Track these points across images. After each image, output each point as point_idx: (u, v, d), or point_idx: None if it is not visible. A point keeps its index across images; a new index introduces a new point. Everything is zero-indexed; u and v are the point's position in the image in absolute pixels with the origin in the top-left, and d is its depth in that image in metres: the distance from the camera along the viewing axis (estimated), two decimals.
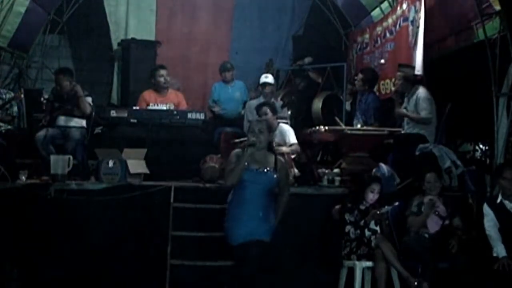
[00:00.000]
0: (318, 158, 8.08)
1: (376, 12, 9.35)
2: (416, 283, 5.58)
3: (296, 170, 6.78)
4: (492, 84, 6.91)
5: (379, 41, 8.89)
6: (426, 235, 5.92)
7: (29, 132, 7.66)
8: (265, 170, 5.09)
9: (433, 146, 6.86)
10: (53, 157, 6.51)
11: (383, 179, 6.32)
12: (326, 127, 7.22)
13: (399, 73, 7.38)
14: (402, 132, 7.17)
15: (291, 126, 7.45)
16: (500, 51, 6.77)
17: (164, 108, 7.66)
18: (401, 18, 8.12)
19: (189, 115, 7.41)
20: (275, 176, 5.11)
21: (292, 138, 7.07)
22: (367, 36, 9.36)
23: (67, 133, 7.20)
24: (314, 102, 8.70)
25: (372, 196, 6.04)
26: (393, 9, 8.57)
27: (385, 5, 8.99)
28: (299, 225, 6.30)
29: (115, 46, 9.84)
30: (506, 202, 5.72)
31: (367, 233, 5.96)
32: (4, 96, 7.43)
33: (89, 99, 7.38)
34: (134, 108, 7.65)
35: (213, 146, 7.68)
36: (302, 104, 8.72)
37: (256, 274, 4.95)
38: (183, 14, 10.14)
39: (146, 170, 6.69)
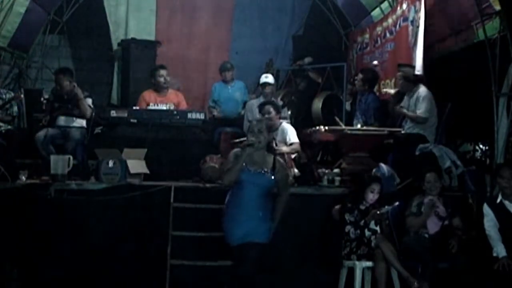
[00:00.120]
0: (318, 158, 8.07)
1: (376, 12, 9.35)
2: (416, 284, 5.58)
3: (296, 170, 6.78)
4: (492, 84, 6.91)
5: (379, 41, 8.89)
6: (426, 235, 5.92)
7: (29, 132, 7.66)
8: (263, 171, 5.07)
9: (433, 146, 6.87)
10: (53, 157, 6.51)
11: (383, 179, 6.32)
12: (326, 127, 7.23)
13: (399, 73, 7.39)
14: (402, 132, 7.17)
15: (291, 126, 7.45)
16: (500, 51, 6.77)
17: (164, 108, 7.67)
18: (401, 18, 8.12)
19: (189, 115, 7.41)
20: (273, 177, 5.09)
21: (293, 137, 7.07)
22: (367, 36, 9.36)
23: (67, 133, 7.21)
24: (314, 102, 8.70)
25: (372, 196, 6.04)
26: (393, 9, 8.57)
27: (385, 5, 8.99)
28: (299, 225, 6.30)
29: (115, 46, 9.84)
30: (506, 202, 5.72)
31: (367, 233, 5.96)
32: (4, 96, 7.42)
33: (89, 101, 7.38)
34: (134, 108, 7.65)
35: (213, 146, 7.68)
36: (302, 104, 8.72)
37: (255, 275, 4.95)
38: (183, 14, 10.14)
39: (146, 170, 6.69)
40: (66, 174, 6.44)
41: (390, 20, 8.54)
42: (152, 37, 9.86)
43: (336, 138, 7.23)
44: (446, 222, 5.93)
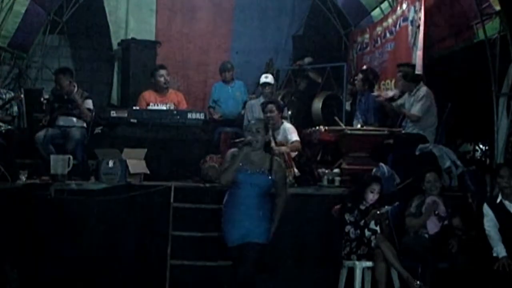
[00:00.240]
0: (318, 158, 8.07)
1: (376, 12, 9.35)
2: (417, 283, 5.58)
3: (296, 170, 6.78)
4: (492, 84, 6.92)
5: (379, 41, 8.89)
6: (426, 235, 5.91)
7: (29, 132, 7.67)
8: (261, 171, 5.03)
9: (433, 146, 6.87)
10: (53, 157, 6.52)
11: (383, 179, 6.31)
12: (326, 127, 7.23)
13: (399, 74, 7.40)
14: (402, 132, 7.18)
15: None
16: (500, 51, 6.78)
17: (164, 108, 7.67)
18: (401, 18, 8.12)
19: (189, 115, 7.42)
20: (270, 177, 5.05)
21: (294, 136, 7.08)
22: (367, 36, 9.36)
23: (67, 133, 7.21)
24: (314, 102, 8.71)
25: (372, 196, 6.03)
26: (393, 9, 8.58)
27: (385, 5, 8.99)
28: (299, 225, 6.30)
29: (115, 46, 9.84)
30: (506, 202, 5.72)
31: (367, 233, 5.95)
32: (4, 96, 7.43)
33: (89, 102, 7.39)
34: (134, 108, 7.65)
35: (213, 146, 7.68)
36: (302, 104, 8.72)
37: (255, 275, 4.93)
38: (183, 14, 10.14)
39: (146, 170, 6.69)
40: (66, 174, 6.44)
41: (390, 20, 8.54)
42: (152, 37, 9.86)
43: (336, 138, 7.23)
44: (446, 222, 5.93)
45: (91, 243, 6.17)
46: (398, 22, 8.21)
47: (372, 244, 5.90)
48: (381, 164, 6.70)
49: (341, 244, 6.00)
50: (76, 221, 6.20)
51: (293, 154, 6.99)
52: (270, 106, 7.13)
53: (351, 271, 5.92)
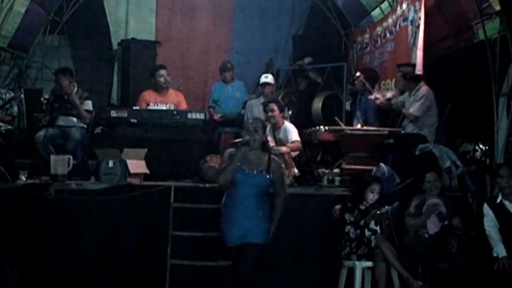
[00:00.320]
0: (318, 158, 8.07)
1: (376, 12, 9.35)
2: (417, 283, 5.58)
3: (296, 170, 6.78)
4: (492, 84, 6.92)
5: (379, 41, 8.89)
6: (426, 235, 5.91)
7: (29, 132, 7.67)
8: (258, 171, 5.02)
9: (433, 146, 6.87)
10: (53, 157, 6.52)
11: (383, 179, 6.32)
12: (326, 127, 7.23)
13: (399, 73, 7.40)
14: (402, 132, 7.18)
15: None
16: (500, 51, 6.78)
17: (164, 108, 7.67)
18: (401, 18, 8.12)
19: (189, 115, 7.41)
20: (268, 177, 5.03)
21: (294, 135, 7.08)
22: (367, 36, 9.36)
23: (67, 133, 7.21)
24: (314, 102, 8.71)
25: (372, 196, 6.03)
26: (393, 9, 8.57)
27: (385, 5, 8.99)
28: (299, 225, 6.30)
29: (115, 46, 9.84)
30: (506, 202, 5.72)
31: (367, 233, 5.96)
32: (4, 96, 7.43)
33: (89, 103, 7.38)
34: (134, 108, 7.65)
35: (213, 146, 7.68)
36: (302, 104, 8.72)
37: (254, 276, 4.93)
38: (183, 14, 10.14)
39: (146, 170, 6.69)
40: (66, 174, 6.44)
41: (390, 20, 8.54)
42: (152, 37, 9.86)
43: (336, 138, 7.23)
44: (446, 222, 5.92)
45: (91, 243, 6.17)
46: (398, 22, 8.21)
47: (372, 244, 5.90)
48: (381, 164, 6.70)
49: (341, 244, 6.00)
50: (76, 221, 6.20)
51: (294, 154, 6.99)
52: (271, 105, 7.14)
53: (351, 271, 5.92)
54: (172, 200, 6.33)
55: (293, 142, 7.01)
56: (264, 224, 5.01)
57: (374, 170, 6.60)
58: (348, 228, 5.98)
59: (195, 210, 6.31)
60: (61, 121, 7.32)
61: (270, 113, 7.10)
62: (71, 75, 7.43)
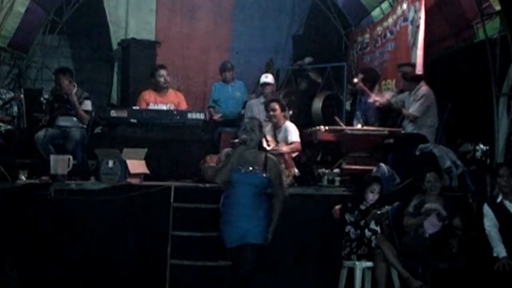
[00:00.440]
0: (318, 158, 8.07)
1: (376, 12, 9.35)
2: (417, 283, 5.58)
3: (296, 170, 6.78)
4: (492, 84, 6.92)
5: (379, 41, 8.88)
6: (426, 235, 5.91)
7: (29, 132, 7.66)
8: (255, 170, 5.00)
9: (433, 146, 6.87)
10: (53, 157, 6.52)
11: (383, 179, 6.32)
12: (326, 127, 7.23)
13: (399, 74, 7.40)
14: (402, 132, 7.17)
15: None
16: (500, 51, 6.78)
17: (164, 108, 7.67)
18: (401, 18, 8.11)
19: (189, 115, 7.41)
20: (265, 176, 5.02)
21: (294, 136, 7.07)
22: (367, 36, 9.35)
23: (67, 133, 7.21)
24: (314, 102, 8.70)
25: (372, 196, 6.03)
26: (393, 9, 8.57)
27: (385, 5, 8.99)
28: (299, 225, 6.30)
29: (115, 46, 9.84)
30: (506, 202, 5.71)
31: (367, 233, 5.96)
32: (4, 96, 7.43)
33: (89, 103, 7.38)
34: (134, 108, 7.65)
35: (213, 146, 7.68)
36: (302, 104, 8.72)
37: (253, 276, 4.92)
38: (183, 14, 10.13)
39: (146, 170, 6.69)
40: (66, 174, 6.44)
41: (390, 20, 8.53)
42: (152, 37, 9.86)
43: (336, 138, 7.23)
44: (446, 222, 5.92)
45: (91, 243, 6.17)
46: (399, 22, 8.20)
47: (372, 244, 5.90)
48: (381, 164, 6.70)
49: (341, 244, 6.00)
50: (76, 221, 6.20)
51: (294, 154, 6.99)
52: (273, 104, 7.15)
53: (351, 271, 5.92)
54: (172, 200, 6.33)
55: (292, 142, 7.01)
56: (262, 223, 4.99)
57: (374, 170, 6.60)
58: (348, 228, 5.98)
59: (195, 210, 6.31)
60: (61, 121, 7.33)
61: (271, 112, 7.11)
62: (71, 75, 7.43)
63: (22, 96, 7.58)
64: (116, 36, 9.84)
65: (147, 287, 6.24)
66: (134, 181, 6.51)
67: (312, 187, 6.75)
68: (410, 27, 7.78)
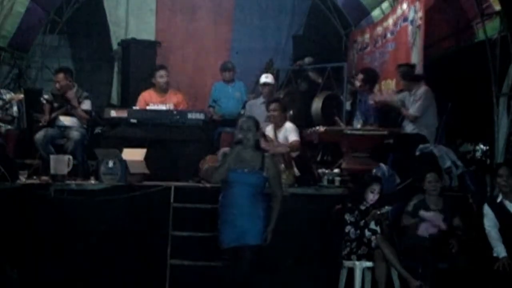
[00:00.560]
0: (318, 158, 8.07)
1: (376, 12, 9.34)
2: (417, 283, 5.58)
3: (296, 170, 6.77)
4: (492, 84, 6.92)
5: (379, 41, 8.88)
6: (426, 235, 5.90)
7: (29, 132, 7.67)
8: (252, 170, 4.99)
9: (433, 146, 6.86)
10: (53, 157, 6.52)
11: (383, 179, 6.32)
12: (326, 127, 7.22)
13: (398, 74, 7.41)
14: (402, 132, 7.17)
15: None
16: (500, 51, 6.77)
17: (164, 108, 7.66)
18: (401, 18, 8.11)
19: (189, 115, 7.41)
20: (262, 175, 5.01)
21: (293, 135, 7.06)
22: (367, 36, 9.35)
23: (67, 133, 7.22)
24: (314, 102, 8.69)
25: (372, 196, 6.03)
26: (393, 9, 8.57)
27: (385, 5, 8.99)
28: (299, 225, 6.29)
29: (115, 46, 9.84)
30: (506, 202, 5.71)
31: (367, 233, 5.95)
32: (4, 96, 7.43)
33: (88, 103, 7.38)
34: (134, 108, 7.65)
35: (213, 146, 7.68)
36: (302, 104, 8.71)
37: (251, 277, 4.91)
38: (183, 14, 10.13)
39: (146, 170, 6.69)
40: (66, 174, 6.44)
41: (390, 20, 8.53)
42: (152, 37, 9.86)
43: (336, 138, 7.23)
44: (446, 222, 5.91)
45: (91, 243, 6.17)
46: (399, 22, 8.20)
47: (372, 244, 5.90)
48: (381, 164, 6.70)
49: (341, 244, 6.00)
50: (76, 221, 6.20)
51: (294, 154, 6.98)
52: (274, 105, 7.15)
53: (351, 271, 5.92)
54: (172, 200, 6.33)
55: (291, 142, 7.00)
56: (261, 224, 4.98)
57: (374, 170, 6.59)
58: (348, 228, 5.98)
59: (195, 210, 6.31)
60: (61, 121, 7.32)
61: (272, 113, 7.11)
62: (71, 75, 7.45)
63: (22, 96, 7.58)
64: (116, 36, 9.84)
65: (147, 287, 6.24)
66: (134, 181, 6.51)
67: (312, 187, 6.74)
68: (410, 27, 7.78)
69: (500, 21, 6.78)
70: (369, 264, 5.89)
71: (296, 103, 8.47)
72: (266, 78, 8.22)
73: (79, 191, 6.33)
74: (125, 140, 7.02)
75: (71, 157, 6.59)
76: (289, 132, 7.07)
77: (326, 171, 6.90)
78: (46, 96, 7.60)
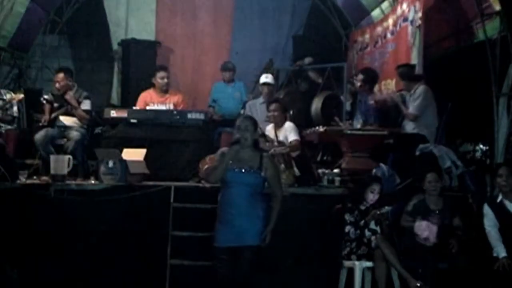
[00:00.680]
0: (318, 158, 8.07)
1: (376, 12, 9.34)
2: (417, 283, 5.58)
3: (296, 170, 6.77)
4: (492, 84, 6.92)
5: (379, 41, 8.89)
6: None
7: (29, 132, 7.67)
8: (251, 169, 4.97)
9: (433, 146, 6.87)
10: (53, 157, 6.52)
11: (383, 179, 6.32)
12: (326, 127, 7.22)
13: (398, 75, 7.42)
14: (402, 132, 7.17)
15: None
16: (500, 51, 6.78)
17: (164, 108, 7.66)
18: (401, 18, 8.11)
19: (189, 115, 7.40)
20: (260, 175, 4.99)
21: (293, 135, 7.06)
22: (367, 36, 9.36)
23: (67, 133, 7.22)
24: (314, 102, 8.69)
25: (372, 196, 6.03)
26: (393, 9, 8.57)
27: (385, 5, 8.99)
28: (299, 225, 6.29)
29: (115, 46, 9.85)
30: (506, 202, 5.71)
31: (367, 233, 5.95)
32: (4, 96, 7.43)
33: (88, 103, 7.39)
34: (134, 108, 7.65)
35: (213, 146, 7.67)
36: (302, 104, 8.71)
37: (251, 277, 4.91)
38: (183, 14, 10.14)
39: (146, 170, 6.69)
40: (66, 174, 6.44)
41: (390, 20, 8.53)
42: (152, 37, 9.87)
43: (336, 138, 7.23)
44: (446, 222, 5.92)
45: (91, 243, 6.17)
46: (399, 22, 8.20)
47: (372, 244, 5.89)
48: (381, 164, 6.70)
49: (341, 244, 6.00)
50: (76, 221, 6.20)
51: (294, 154, 6.98)
52: (274, 105, 7.16)
53: (351, 271, 5.92)
54: (172, 200, 6.33)
55: (291, 142, 7.01)
56: (259, 224, 4.96)
57: (374, 170, 6.59)
58: (348, 228, 5.98)
59: (195, 210, 6.31)
60: (61, 121, 7.32)
61: (272, 113, 7.11)
62: (71, 75, 7.46)
63: (22, 96, 7.58)
64: (116, 36, 9.84)
65: (147, 287, 6.24)
66: (134, 181, 6.51)
67: (312, 187, 6.74)
68: (410, 27, 7.78)
69: (500, 21, 6.79)
70: (369, 264, 5.89)
71: (296, 103, 8.47)
72: (266, 78, 8.22)
73: (79, 191, 6.33)
74: (125, 140, 7.02)
75: (71, 157, 6.59)
76: (289, 132, 7.07)
77: (326, 171, 6.91)
78: (46, 96, 7.60)
